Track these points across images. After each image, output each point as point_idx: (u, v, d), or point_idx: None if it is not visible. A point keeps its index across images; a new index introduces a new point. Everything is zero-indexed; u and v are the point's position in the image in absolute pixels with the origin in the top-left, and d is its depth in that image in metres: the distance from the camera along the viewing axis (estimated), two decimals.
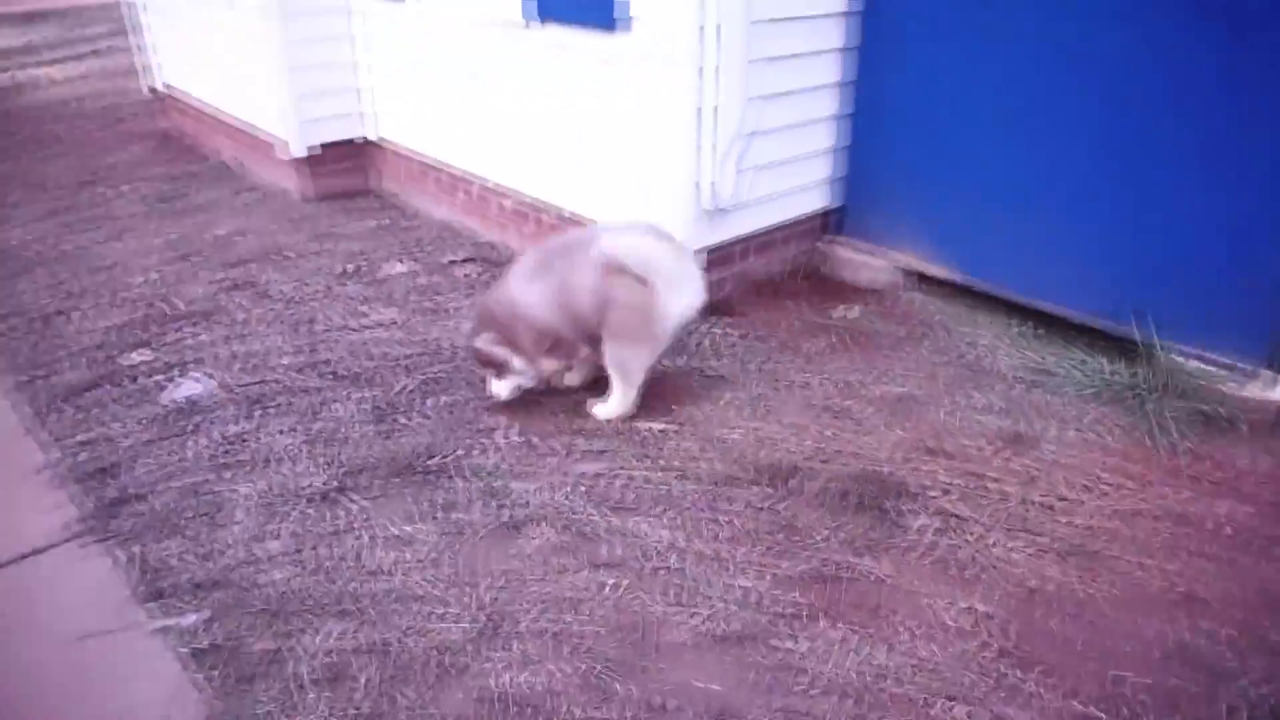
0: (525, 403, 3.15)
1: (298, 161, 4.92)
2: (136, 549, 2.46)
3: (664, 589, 2.34)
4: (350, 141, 5.02)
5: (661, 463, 2.84)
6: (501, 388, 3.01)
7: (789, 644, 2.17)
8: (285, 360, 3.41)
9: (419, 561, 2.44)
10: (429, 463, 2.82)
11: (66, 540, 2.51)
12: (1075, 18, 3.11)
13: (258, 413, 3.08)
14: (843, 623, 2.23)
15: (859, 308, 3.78)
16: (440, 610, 2.27)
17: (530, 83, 3.90)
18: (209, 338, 3.57)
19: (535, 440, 2.96)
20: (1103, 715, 2.00)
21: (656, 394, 3.18)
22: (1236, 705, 2.01)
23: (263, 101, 5.01)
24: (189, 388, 3.20)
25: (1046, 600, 2.30)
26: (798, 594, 2.32)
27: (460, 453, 2.87)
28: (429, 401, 3.15)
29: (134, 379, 3.27)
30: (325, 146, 4.92)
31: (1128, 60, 3.05)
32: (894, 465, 2.81)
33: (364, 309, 3.82)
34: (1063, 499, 2.66)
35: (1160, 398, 3.07)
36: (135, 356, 3.42)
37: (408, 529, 2.55)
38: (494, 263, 4.25)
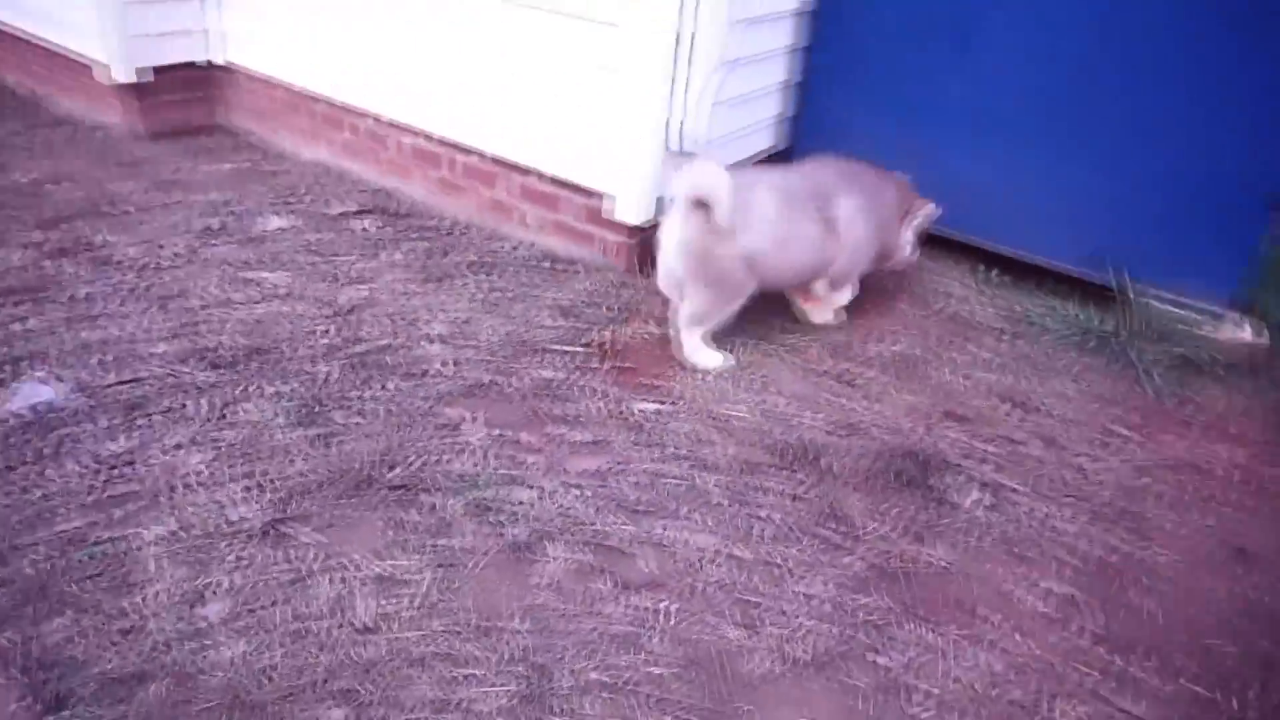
0: (476, 385, 2.64)
1: (123, 89, 3.92)
2: (14, 637, 1.77)
3: (722, 609, 1.97)
4: (192, 65, 4.06)
5: (669, 450, 2.44)
6: None
7: (883, 659, 1.89)
8: (159, 348, 2.66)
9: (414, 609, 1.92)
10: (390, 475, 2.26)
11: None
12: None
13: (140, 422, 2.36)
14: (928, 625, 1.97)
15: None
16: (460, 673, 1.78)
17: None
18: (42, 323, 2.72)
19: (507, 434, 2.46)
20: (1215, 694, 1.87)
21: (637, 368, 2.77)
22: None
23: (71, 11, 3.93)
24: (32, 393, 2.41)
25: (1116, 573, 2.17)
26: (869, 596, 2.03)
27: (425, 458, 2.33)
28: (365, 393, 2.56)
29: None
30: (159, 71, 3.95)
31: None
32: (919, 435, 2.57)
33: (247, 276, 3.08)
34: (1087, 457, 2.54)
35: (1140, 343, 3.03)
36: None
37: (388, 566, 2.01)
38: (395, 214, 3.59)
